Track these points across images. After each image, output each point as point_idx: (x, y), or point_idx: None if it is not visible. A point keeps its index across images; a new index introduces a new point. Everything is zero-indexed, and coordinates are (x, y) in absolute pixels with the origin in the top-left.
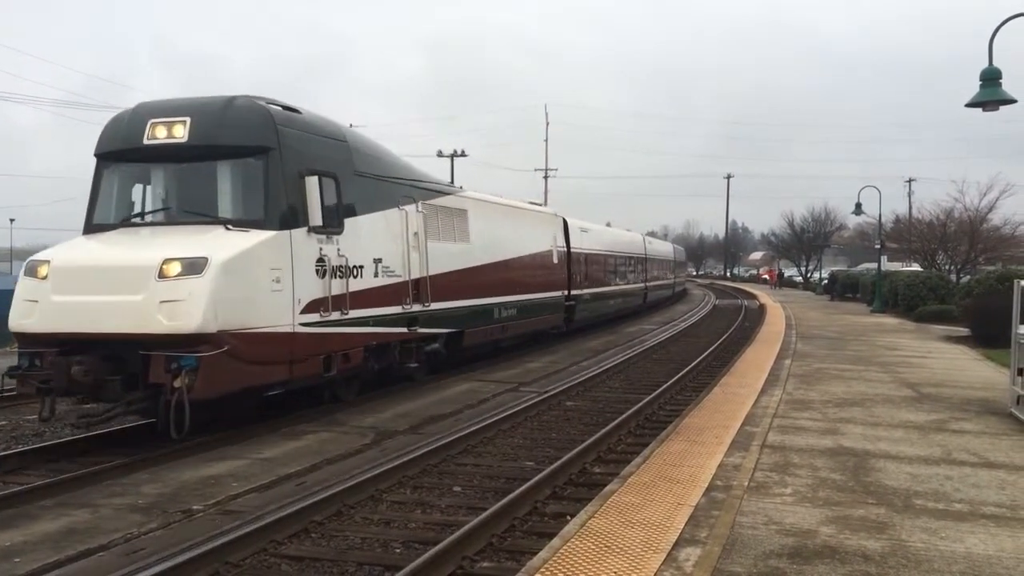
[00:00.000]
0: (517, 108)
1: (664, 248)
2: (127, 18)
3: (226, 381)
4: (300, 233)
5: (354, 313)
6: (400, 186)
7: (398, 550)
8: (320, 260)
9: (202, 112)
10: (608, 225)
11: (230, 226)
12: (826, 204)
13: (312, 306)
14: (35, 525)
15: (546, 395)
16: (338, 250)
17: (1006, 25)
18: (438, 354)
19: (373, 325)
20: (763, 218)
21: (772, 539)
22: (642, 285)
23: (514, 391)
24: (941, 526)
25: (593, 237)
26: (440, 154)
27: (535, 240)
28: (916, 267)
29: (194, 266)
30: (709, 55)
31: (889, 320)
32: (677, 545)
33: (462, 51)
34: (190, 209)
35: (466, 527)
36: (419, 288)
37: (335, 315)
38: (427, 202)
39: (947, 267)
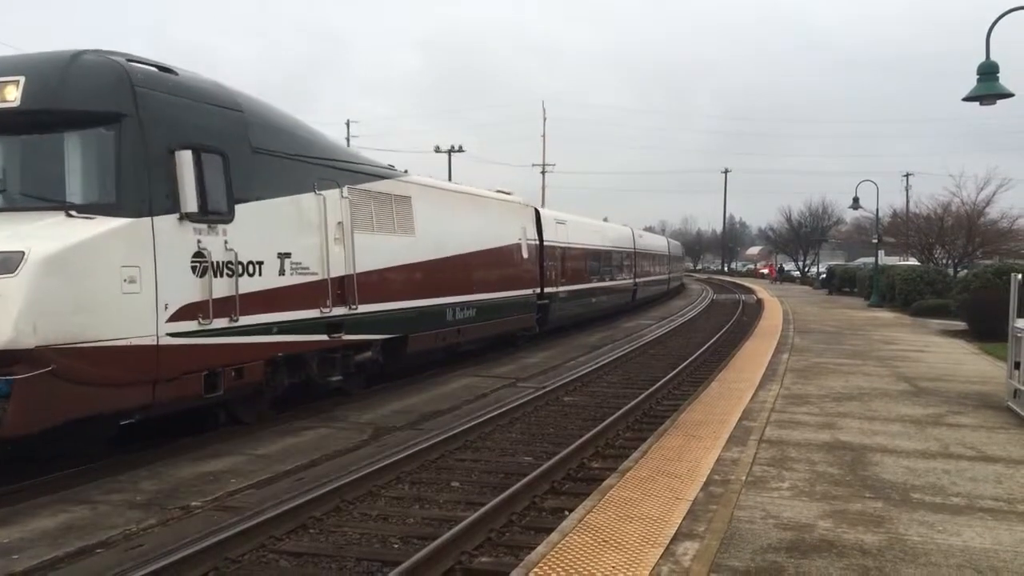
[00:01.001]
0: (516, 104)
1: (656, 242)
2: (123, 13)
3: (53, 411)
4: (168, 221)
5: (249, 319)
6: (318, 167)
7: (396, 545)
8: (198, 255)
9: (40, 70)
10: (605, 220)
11: (73, 212)
12: (823, 199)
13: (186, 312)
14: (33, 522)
15: (544, 390)
16: (225, 243)
17: (1005, 19)
18: (373, 364)
19: (279, 333)
20: (761, 213)
21: (770, 533)
22: (631, 281)
23: (512, 386)
24: (938, 520)
25: (572, 230)
26: (438, 150)
27: (499, 232)
28: (913, 261)
29: (5, 263)
30: (707, 50)
31: (886, 314)
32: (675, 539)
33: (461, 48)
34: (27, 191)
35: (464, 522)
36: (344, 288)
37: (220, 322)
38: (356, 187)
39: (944, 261)
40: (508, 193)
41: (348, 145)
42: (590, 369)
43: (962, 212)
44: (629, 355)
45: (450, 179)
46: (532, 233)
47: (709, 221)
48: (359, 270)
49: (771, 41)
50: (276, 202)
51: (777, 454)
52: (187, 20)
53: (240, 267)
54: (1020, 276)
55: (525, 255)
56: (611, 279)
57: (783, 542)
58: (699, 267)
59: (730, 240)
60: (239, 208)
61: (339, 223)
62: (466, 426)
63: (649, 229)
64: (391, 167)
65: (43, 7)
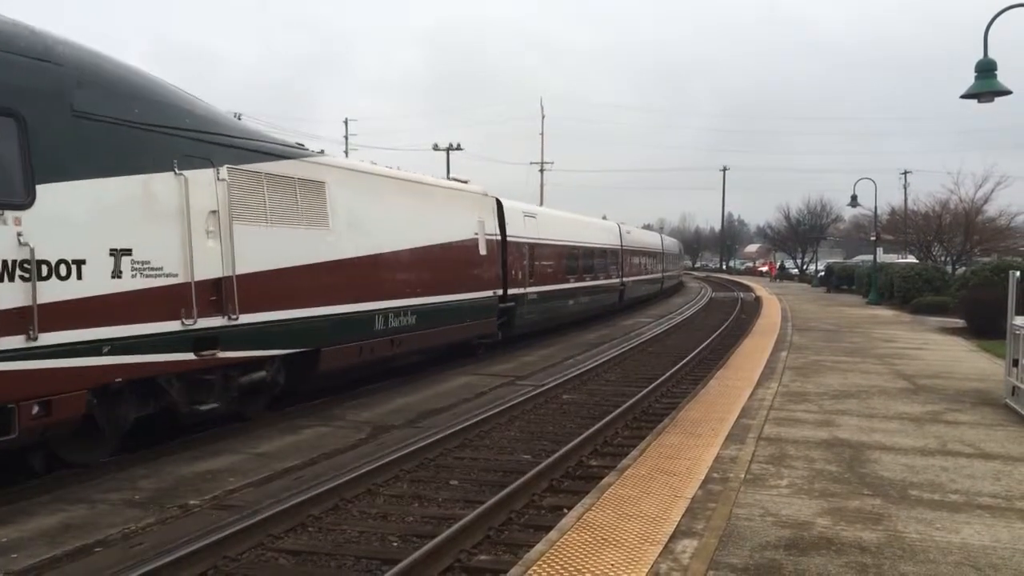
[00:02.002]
0: (516, 103)
1: (647, 239)
2: (121, 13)
3: None
4: None
5: (59, 336)
6: (181, 140)
7: (395, 544)
8: None
9: None
10: (604, 218)
11: None
12: (822, 196)
13: None
14: (31, 521)
15: (543, 388)
16: (18, 235)
17: (1003, 17)
18: (271, 385)
19: (114, 353)
20: (759, 211)
21: (768, 531)
22: (617, 281)
23: (511, 385)
24: (937, 517)
25: (543, 223)
26: (436, 148)
27: (448, 225)
28: (912, 259)
29: None
30: (707, 48)
31: (885, 312)
32: (674, 537)
33: (461, 45)
34: None
35: (463, 520)
36: (220, 293)
37: (12, 341)
38: (240, 167)
39: (943, 259)
40: (464, 181)
41: (347, 145)
42: (589, 367)
43: (960, 210)
44: (628, 353)
45: (448, 177)
46: (493, 227)
47: (708, 219)
48: (242, 271)
49: (770, 39)
50: (109, 183)
51: (776, 452)
52: (185, 19)
53: (44, 268)
54: (1018, 274)
55: (483, 252)
56: (593, 278)
57: (782, 540)
58: (698, 265)
59: (729, 238)
60: (45, 190)
61: (212, 212)
62: (465, 424)
63: (647, 227)
64: (300, 146)
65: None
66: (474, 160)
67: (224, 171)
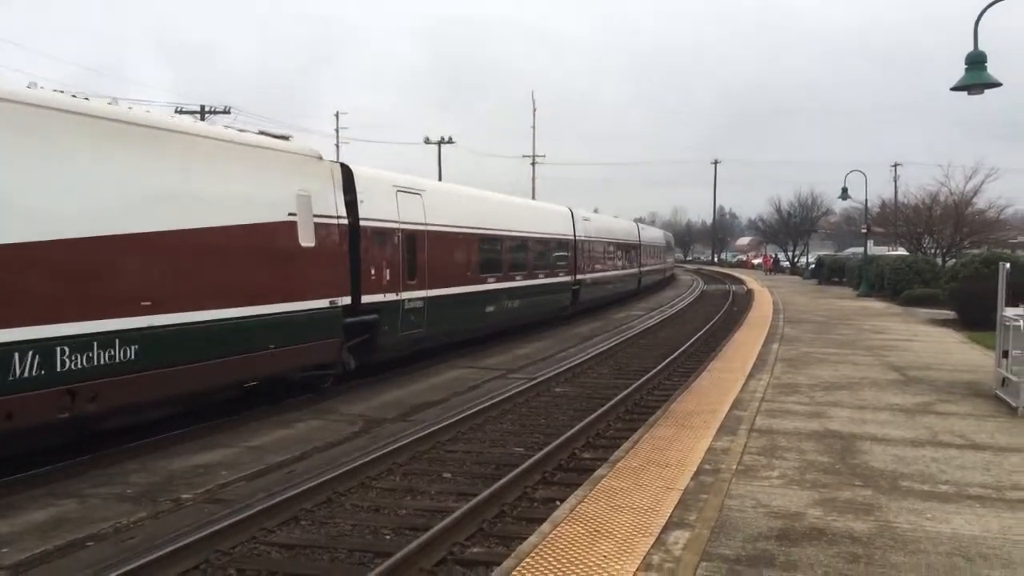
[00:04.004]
0: (512, 97)
1: (619, 227)
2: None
3: None
4: None
5: None
6: None
7: (388, 536)
8: None
9: None
10: (595, 211)
11: None
12: (812, 189)
13: None
14: (22, 515)
15: (535, 381)
16: None
17: (994, 8)
18: None
19: None
20: (750, 204)
21: (760, 522)
22: (570, 279)
23: (503, 378)
24: (927, 507)
25: (435, 205)
26: (427, 141)
27: (224, 200)
28: (902, 251)
29: None
30: (699, 42)
31: (875, 304)
32: (666, 529)
33: (458, 41)
34: None
35: (456, 513)
36: None
37: None
38: None
39: (933, 251)
40: (283, 137)
41: (338, 139)
42: (581, 360)
43: (950, 202)
44: (620, 346)
45: (440, 174)
46: (331, 206)
47: (699, 212)
48: None
49: (762, 31)
50: None
51: (767, 443)
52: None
53: None
54: (1008, 265)
55: (307, 242)
56: (529, 277)
57: (773, 530)
58: (689, 258)
59: (720, 231)
60: None
61: None
62: (457, 417)
63: (639, 220)
64: None
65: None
66: (470, 154)
67: None
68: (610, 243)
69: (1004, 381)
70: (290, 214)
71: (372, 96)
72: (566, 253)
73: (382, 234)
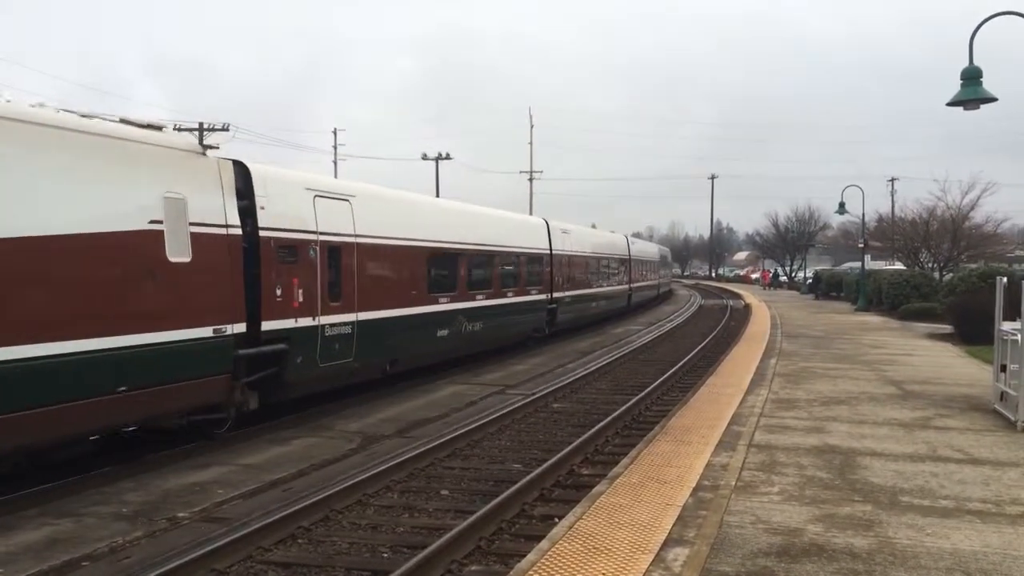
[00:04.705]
0: (509, 112)
1: (604, 241)
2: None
3: None
4: None
5: None
6: None
7: (386, 555)
8: None
9: None
10: (593, 227)
11: None
12: (810, 204)
13: None
14: (17, 535)
15: (533, 397)
16: None
17: (990, 24)
18: None
19: None
20: (748, 218)
21: (760, 538)
22: (545, 298)
23: (501, 394)
24: (927, 523)
25: (366, 212)
26: (425, 157)
27: (56, 204)
28: (899, 265)
29: None
30: (694, 57)
31: (873, 318)
32: (665, 545)
33: (456, 55)
34: None
35: (454, 531)
36: None
37: None
38: None
39: (930, 265)
40: (155, 127)
41: (335, 155)
42: (579, 376)
43: (947, 216)
44: (618, 361)
45: (437, 190)
46: (218, 212)
47: (697, 227)
48: None
49: (758, 47)
50: None
51: (766, 459)
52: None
53: None
54: (1005, 280)
55: (180, 257)
56: (496, 294)
57: (773, 547)
58: (686, 273)
59: (717, 245)
60: None
61: None
62: (455, 434)
63: (637, 235)
64: None
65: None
66: (467, 170)
67: None
68: (594, 257)
69: (1002, 395)
70: (152, 221)
71: (370, 112)
72: (541, 269)
73: (293, 247)
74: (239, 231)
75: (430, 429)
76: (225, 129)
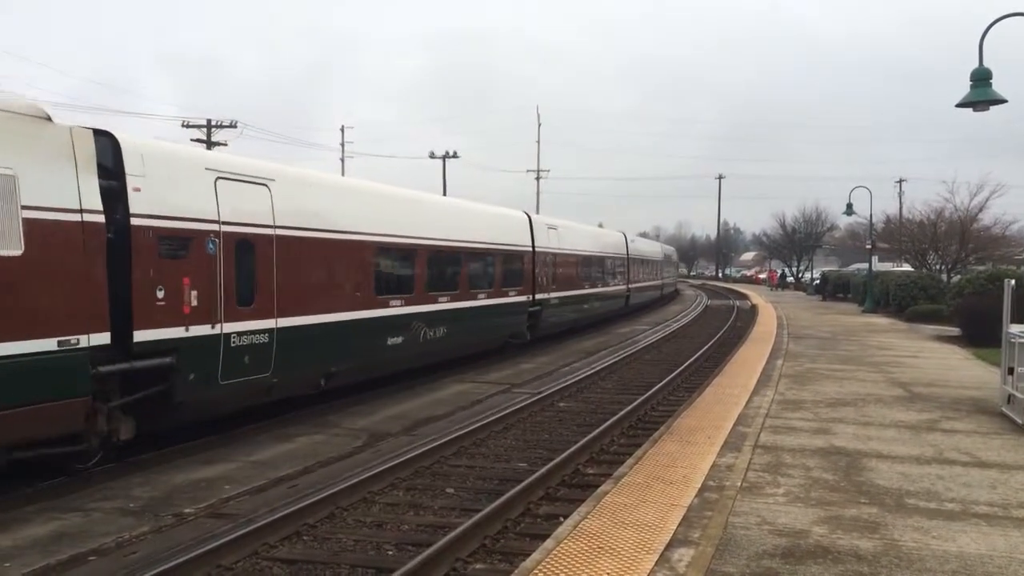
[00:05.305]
0: (517, 111)
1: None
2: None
3: None
4: None
5: None
6: None
7: (391, 552)
8: None
9: None
10: (600, 226)
11: None
12: (817, 205)
13: None
14: (24, 529)
15: (539, 396)
16: None
17: (1000, 25)
18: None
19: None
20: (755, 219)
21: (765, 539)
22: (525, 299)
23: (507, 392)
24: (933, 525)
25: (305, 195)
26: (432, 155)
27: None
28: (907, 267)
29: None
30: (703, 56)
31: (880, 320)
32: (670, 546)
33: (465, 55)
34: None
35: (459, 529)
36: None
37: None
38: None
39: (938, 267)
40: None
41: (343, 152)
42: (585, 375)
43: (955, 218)
44: (624, 360)
45: (444, 188)
46: (66, 193)
47: (704, 227)
48: None
49: (767, 47)
50: None
51: (772, 460)
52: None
53: None
54: (1013, 282)
55: (8, 250)
56: (463, 296)
57: (778, 548)
58: (693, 273)
59: (724, 246)
60: None
61: None
62: (461, 432)
63: (643, 234)
64: None
65: (42, 9)
66: (475, 169)
67: None
68: (586, 256)
69: (1010, 398)
70: None
71: (380, 110)
72: (521, 267)
73: (183, 239)
74: (101, 218)
75: (436, 427)
76: (233, 126)
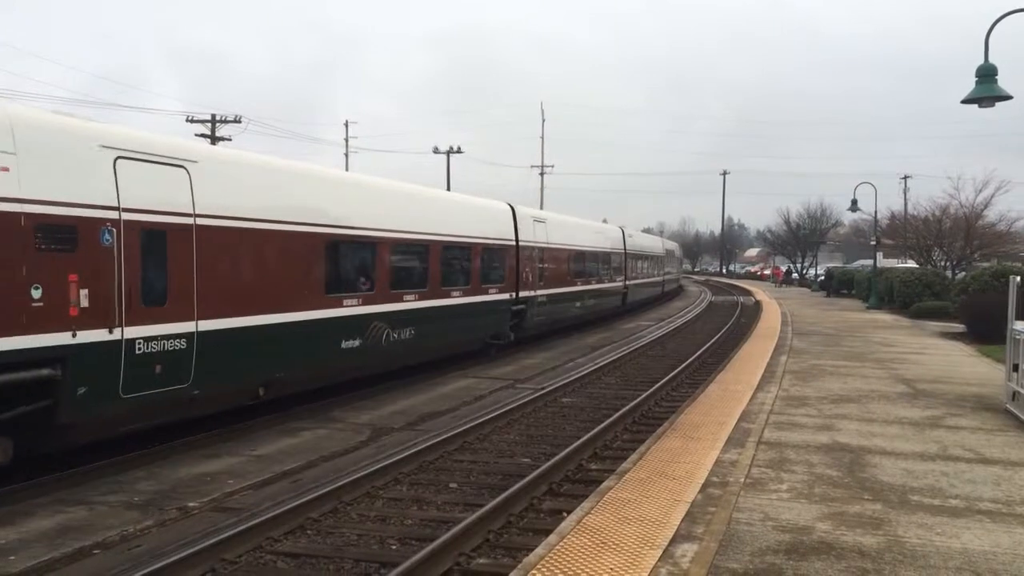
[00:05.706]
0: (522, 106)
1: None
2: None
3: None
4: None
5: None
6: None
7: (394, 547)
8: None
9: None
10: (604, 221)
11: None
12: (822, 201)
13: None
14: (30, 522)
15: (542, 391)
16: None
17: (1005, 20)
18: None
19: None
20: (759, 215)
21: (768, 535)
22: (508, 296)
23: (511, 388)
24: (937, 522)
25: (239, 179)
26: (436, 151)
27: None
28: (912, 263)
29: None
30: (708, 53)
31: (884, 316)
32: (674, 541)
33: (471, 50)
34: None
35: (462, 524)
36: None
37: None
38: None
39: (943, 263)
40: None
41: (347, 148)
42: (589, 370)
43: (960, 214)
44: (628, 356)
45: (448, 183)
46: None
47: (708, 223)
48: None
49: (773, 41)
50: None
51: (776, 456)
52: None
53: None
54: (1018, 279)
55: None
56: (434, 294)
57: (782, 544)
58: (697, 269)
59: (728, 242)
60: None
61: None
62: (464, 427)
63: (647, 230)
64: None
65: (45, 5)
66: (480, 164)
67: None
68: (577, 251)
69: (1014, 395)
70: None
71: (385, 106)
72: (503, 263)
73: (67, 228)
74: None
75: (440, 422)
76: (237, 121)
